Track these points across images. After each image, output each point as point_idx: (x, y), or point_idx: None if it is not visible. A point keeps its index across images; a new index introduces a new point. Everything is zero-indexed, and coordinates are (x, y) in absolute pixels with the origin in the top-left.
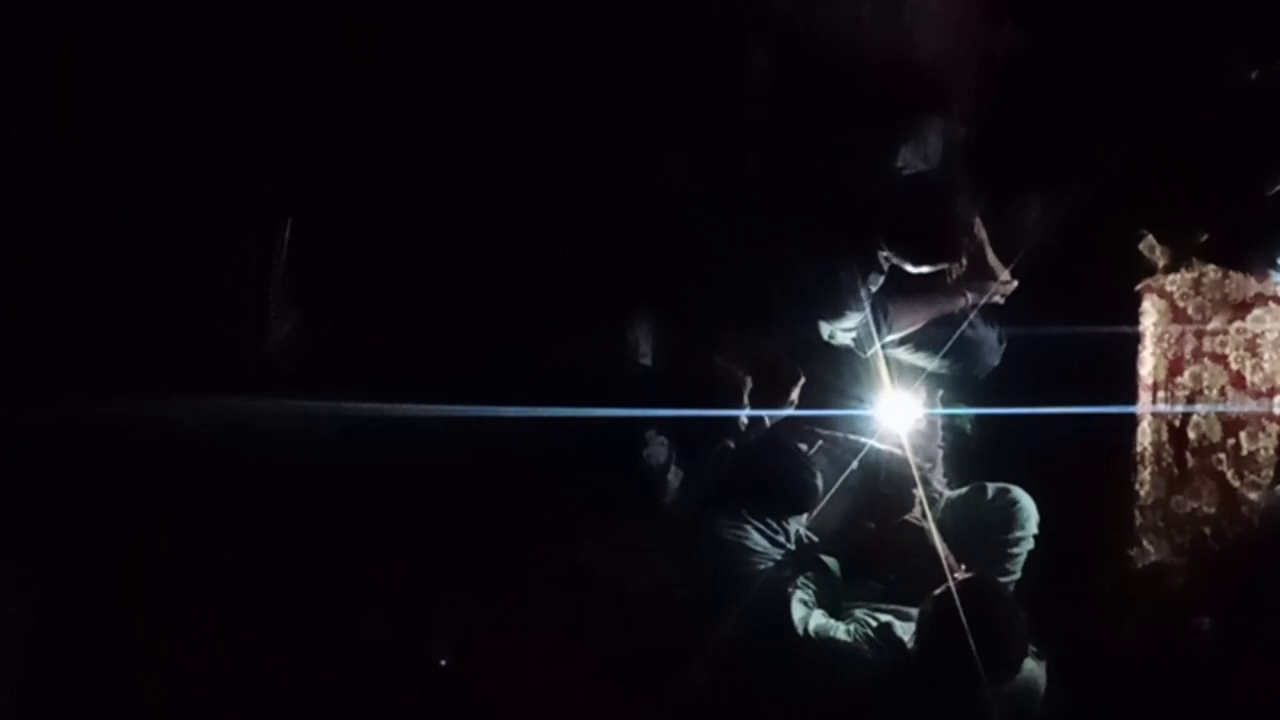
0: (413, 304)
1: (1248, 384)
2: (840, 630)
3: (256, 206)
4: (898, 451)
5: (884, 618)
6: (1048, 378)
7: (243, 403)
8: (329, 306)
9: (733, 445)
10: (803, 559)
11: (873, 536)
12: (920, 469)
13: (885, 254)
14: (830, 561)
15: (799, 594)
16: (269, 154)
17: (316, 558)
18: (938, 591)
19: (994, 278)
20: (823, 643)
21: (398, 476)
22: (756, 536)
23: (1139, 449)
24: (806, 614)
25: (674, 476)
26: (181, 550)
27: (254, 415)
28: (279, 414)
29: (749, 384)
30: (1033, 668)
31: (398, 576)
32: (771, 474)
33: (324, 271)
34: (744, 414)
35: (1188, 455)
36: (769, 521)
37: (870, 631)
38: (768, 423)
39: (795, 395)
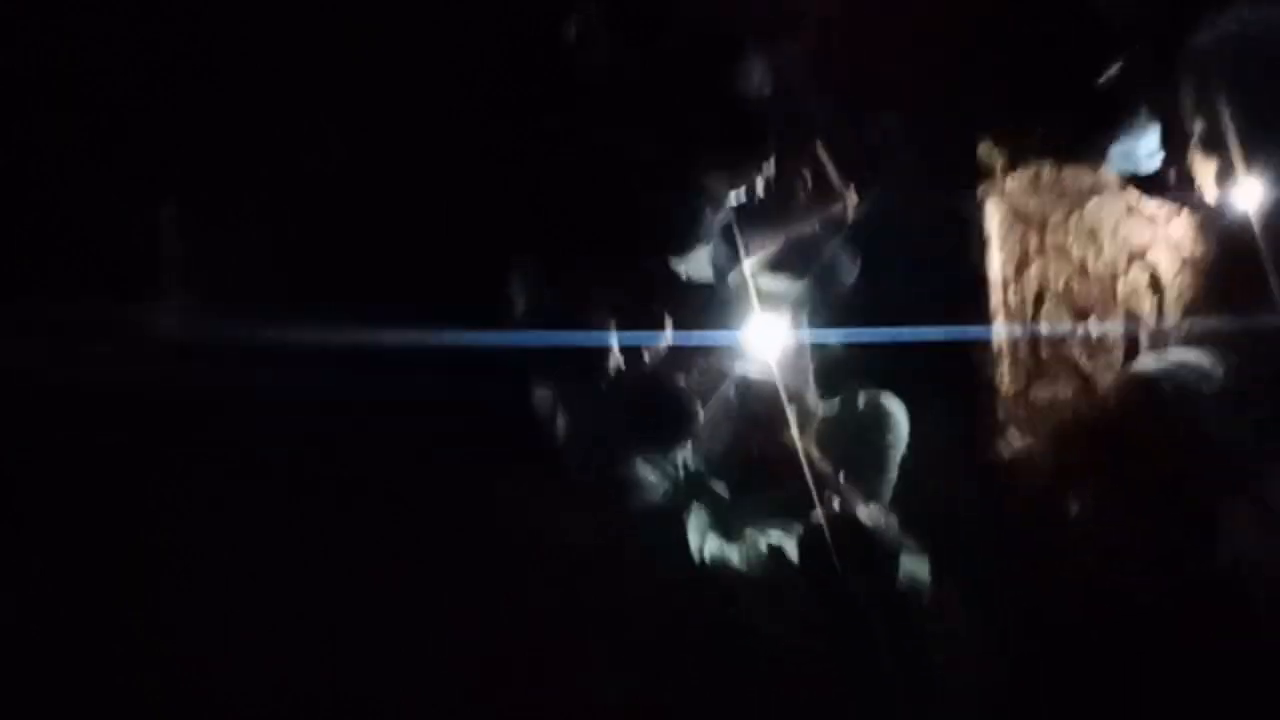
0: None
1: (1090, 271)
2: (734, 553)
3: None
4: (768, 373)
5: (774, 536)
6: (904, 288)
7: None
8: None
9: (611, 385)
10: (692, 487)
11: (754, 457)
12: (792, 388)
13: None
14: (719, 485)
15: (693, 520)
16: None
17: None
18: (810, 517)
19: (840, 197)
20: (718, 567)
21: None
22: (646, 470)
23: (995, 345)
24: (701, 540)
25: (560, 420)
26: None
27: None
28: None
29: (619, 321)
30: (914, 564)
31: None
32: (651, 407)
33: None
34: (617, 350)
35: (1041, 346)
36: (656, 454)
37: (761, 552)
38: (642, 358)
39: (666, 329)
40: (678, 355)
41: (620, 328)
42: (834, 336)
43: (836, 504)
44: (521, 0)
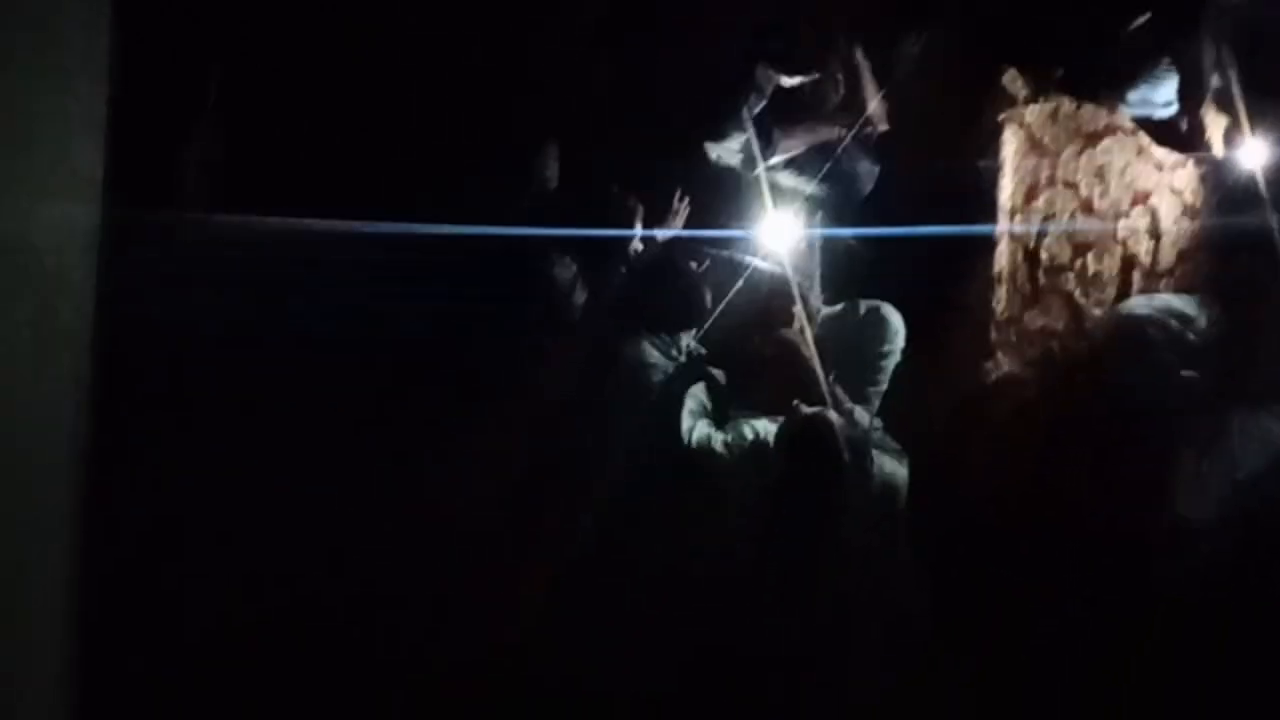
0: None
1: (1095, 209)
2: (719, 440)
3: None
4: (779, 270)
5: (760, 427)
6: (917, 202)
7: None
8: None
9: (629, 266)
10: (693, 371)
11: (756, 349)
12: (799, 286)
13: (762, 69)
14: (717, 373)
15: (688, 404)
16: None
17: None
18: (801, 411)
19: (868, 108)
20: (703, 451)
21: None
22: (651, 350)
23: (996, 269)
24: (693, 424)
25: (578, 296)
26: None
27: None
28: None
29: (641, 207)
30: (895, 467)
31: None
32: (664, 292)
33: None
34: (638, 235)
35: (1040, 275)
36: (663, 336)
37: (744, 442)
38: (660, 243)
39: (684, 217)
40: (695, 242)
41: (645, 211)
42: (845, 237)
43: (828, 401)
44: None
